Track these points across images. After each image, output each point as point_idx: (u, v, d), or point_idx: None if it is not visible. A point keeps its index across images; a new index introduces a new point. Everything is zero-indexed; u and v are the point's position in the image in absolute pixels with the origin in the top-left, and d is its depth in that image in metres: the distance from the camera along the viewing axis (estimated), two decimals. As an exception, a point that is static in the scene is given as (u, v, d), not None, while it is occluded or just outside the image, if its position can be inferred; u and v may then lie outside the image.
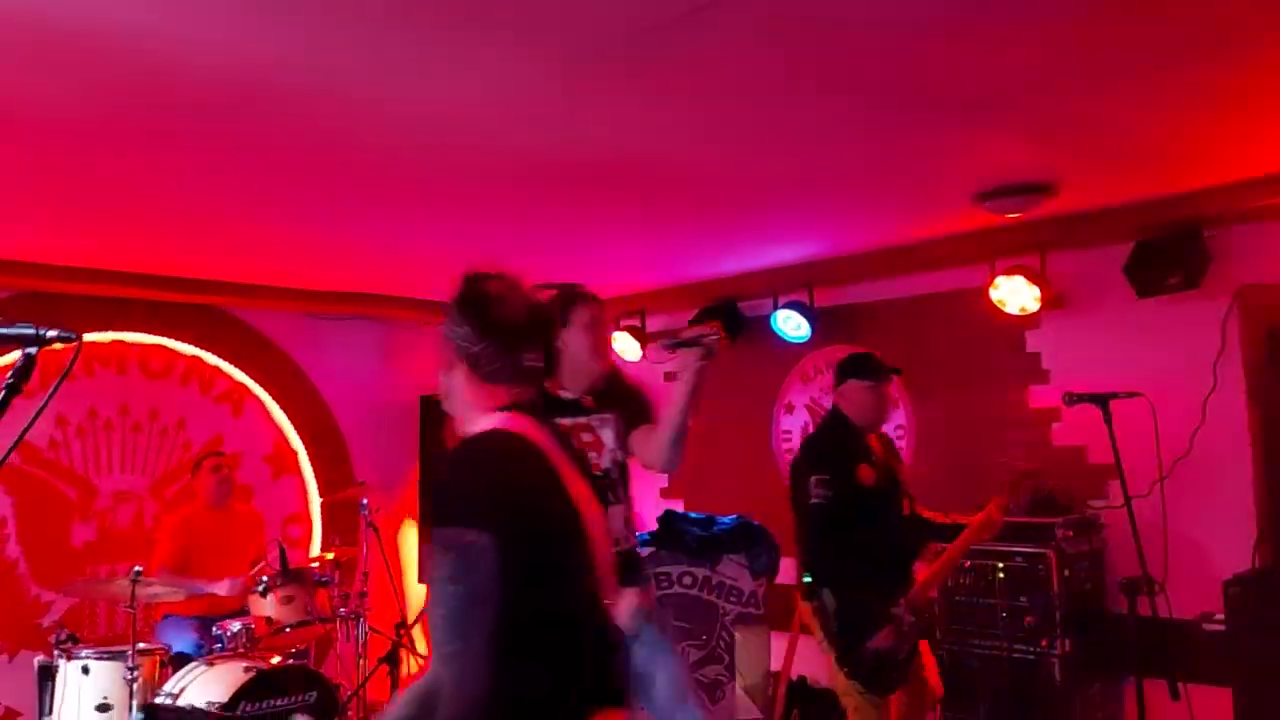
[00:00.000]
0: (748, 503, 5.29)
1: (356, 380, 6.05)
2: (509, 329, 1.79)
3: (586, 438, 2.85)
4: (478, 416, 1.77)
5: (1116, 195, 3.88)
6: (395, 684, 4.82)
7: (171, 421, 5.37)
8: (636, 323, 6.05)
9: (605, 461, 2.87)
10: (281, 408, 5.80)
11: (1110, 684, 4.29)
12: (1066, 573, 4.13)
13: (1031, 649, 4.09)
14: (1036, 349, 4.72)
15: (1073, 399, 3.27)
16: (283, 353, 5.81)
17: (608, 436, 2.89)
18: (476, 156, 3.30)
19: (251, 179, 3.44)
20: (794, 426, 5.67)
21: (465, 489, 1.63)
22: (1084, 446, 4.54)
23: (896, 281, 5.19)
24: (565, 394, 2.84)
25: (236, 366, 5.65)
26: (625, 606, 2.68)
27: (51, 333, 1.39)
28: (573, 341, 2.81)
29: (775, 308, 5.32)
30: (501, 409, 1.76)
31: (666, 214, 4.00)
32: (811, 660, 5.28)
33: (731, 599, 4.28)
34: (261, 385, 5.76)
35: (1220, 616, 3.77)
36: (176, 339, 5.43)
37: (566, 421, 2.80)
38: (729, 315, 5.59)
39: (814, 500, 3.39)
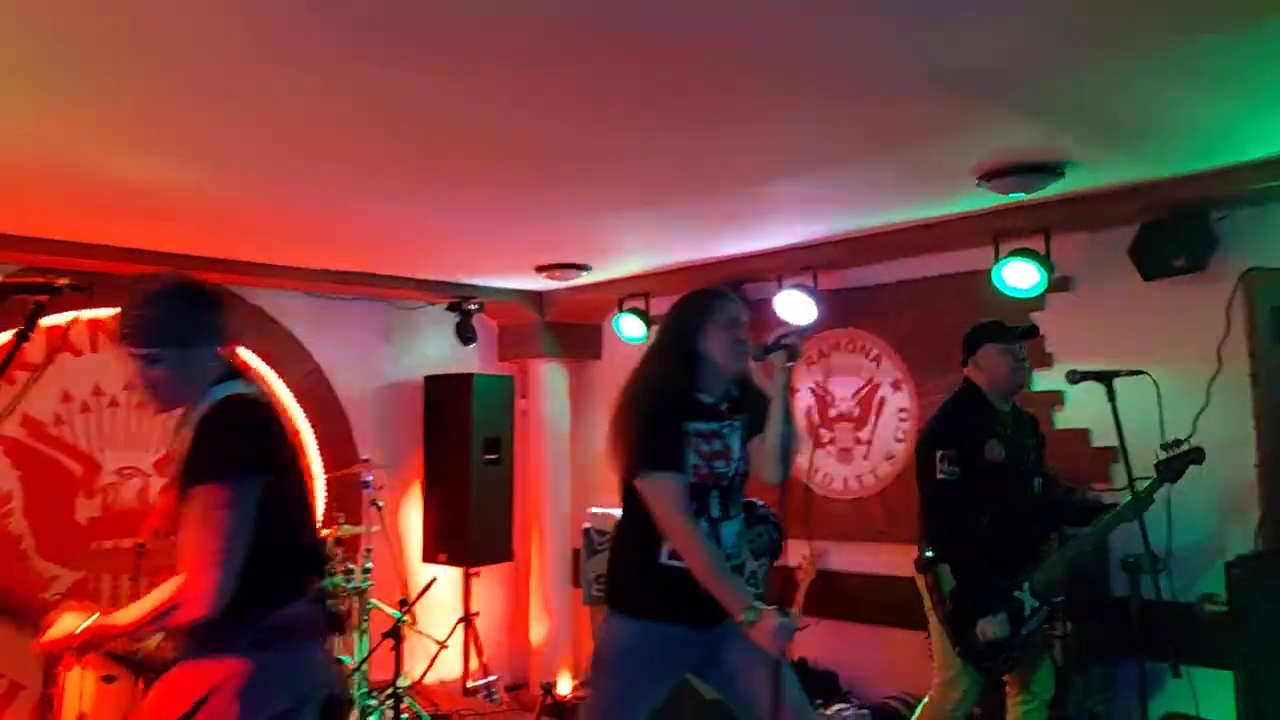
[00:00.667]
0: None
1: (360, 360, 6.06)
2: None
3: (717, 445, 2.80)
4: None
5: (1122, 176, 3.87)
6: (399, 660, 4.84)
7: (176, 400, 5.38)
8: (641, 305, 6.05)
9: (732, 470, 2.83)
10: (285, 386, 5.81)
11: (1112, 666, 4.29)
12: (1069, 555, 4.13)
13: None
14: (1042, 332, 4.71)
15: (1077, 376, 3.28)
16: (286, 331, 5.82)
17: (735, 444, 2.86)
18: (466, 144, 3.30)
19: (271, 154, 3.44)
20: (798, 410, 5.66)
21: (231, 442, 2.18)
22: (1087, 430, 4.54)
23: (901, 264, 5.19)
24: (704, 398, 2.81)
25: (240, 344, 5.65)
26: (766, 626, 2.58)
27: (63, 280, 1.48)
28: (711, 342, 2.80)
29: (779, 290, 5.32)
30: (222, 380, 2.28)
31: (667, 191, 3.98)
32: (811, 642, 5.32)
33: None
34: (265, 363, 5.77)
35: (1222, 598, 3.77)
36: (182, 317, 5.44)
37: (704, 427, 2.77)
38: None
39: (940, 476, 3.38)
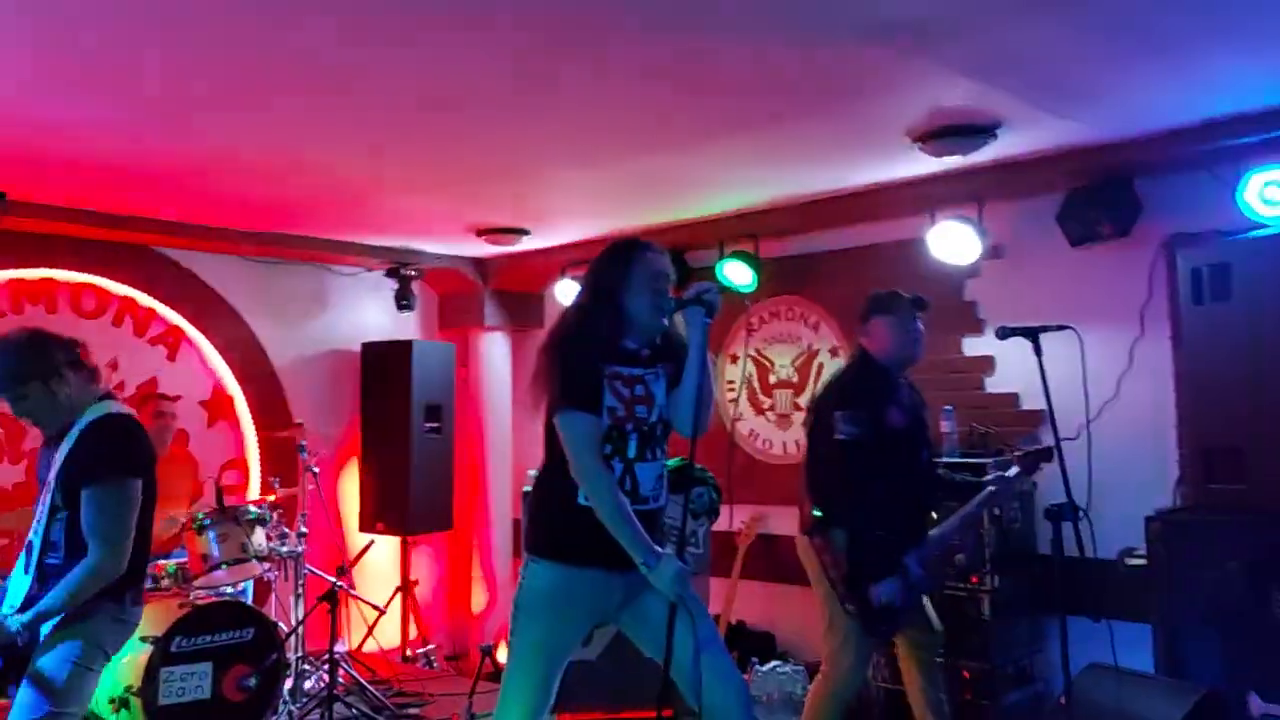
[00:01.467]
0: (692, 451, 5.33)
1: (296, 326, 5.97)
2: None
3: (640, 391, 2.81)
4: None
5: (1052, 141, 3.96)
6: (335, 625, 4.79)
7: (104, 362, 5.24)
8: (583, 272, 6.02)
9: (653, 416, 2.83)
10: (218, 352, 5.71)
11: (1037, 619, 4.43)
12: (997, 512, 4.24)
13: (962, 585, 4.20)
14: (974, 298, 4.82)
15: (1005, 332, 3.35)
16: (219, 296, 5.71)
17: (659, 391, 2.86)
18: (400, 99, 3.27)
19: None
20: (737, 377, 5.72)
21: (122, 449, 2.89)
22: (1016, 394, 4.66)
23: (840, 233, 5.26)
24: (628, 343, 2.81)
25: (172, 308, 5.55)
26: (666, 571, 2.63)
27: None
28: (633, 298, 2.79)
29: (721, 258, 5.35)
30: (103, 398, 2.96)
31: (603, 149, 3.98)
32: (750, 604, 5.40)
33: (672, 537, 4.30)
34: (198, 329, 5.66)
35: (1142, 552, 3.90)
36: (108, 278, 5.31)
37: (625, 371, 2.79)
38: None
39: (840, 436, 3.36)
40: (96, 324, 5.27)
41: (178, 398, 5.31)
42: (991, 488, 3.54)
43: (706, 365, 2.79)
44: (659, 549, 2.68)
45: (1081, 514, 3.20)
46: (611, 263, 2.87)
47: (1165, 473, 4.13)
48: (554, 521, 2.81)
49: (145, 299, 5.46)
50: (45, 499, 2.83)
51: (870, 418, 3.39)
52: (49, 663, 2.74)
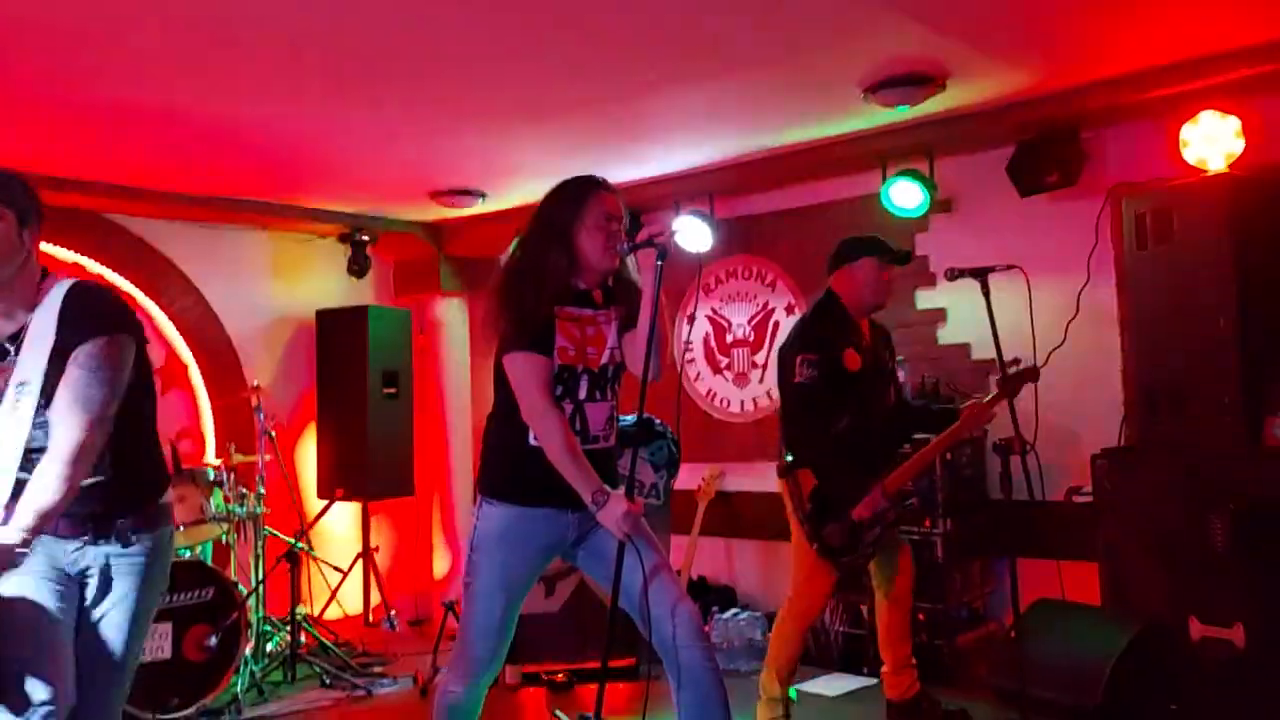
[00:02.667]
0: (649, 410, 5.38)
1: (248, 293, 5.90)
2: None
3: (590, 331, 2.82)
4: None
5: (1000, 90, 4.03)
6: (296, 587, 4.79)
7: (53, 329, 5.17)
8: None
9: (604, 358, 2.84)
10: (170, 320, 5.63)
11: (988, 561, 4.55)
12: (949, 457, 4.35)
13: (916, 529, 4.30)
14: (925, 252, 4.90)
15: (954, 274, 3.43)
16: (170, 263, 5.63)
17: (610, 333, 2.87)
18: (351, 56, 3.25)
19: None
20: (695, 337, 5.77)
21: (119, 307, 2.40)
22: (968, 344, 4.76)
23: (794, 191, 5.32)
24: (578, 284, 2.81)
25: (121, 275, 5.46)
26: (614, 509, 2.65)
27: None
28: (584, 239, 2.77)
29: (676, 216, 5.38)
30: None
31: (554, 102, 3.99)
32: (710, 560, 5.47)
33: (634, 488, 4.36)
34: (149, 296, 5.58)
35: (1088, 490, 4.02)
36: (55, 244, 5.21)
37: (575, 311, 2.79)
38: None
39: (798, 380, 3.46)
40: (43, 290, 5.18)
41: (129, 365, 5.26)
42: (962, 408, 3.62)
43: (660, 309, 2.82)
44: (607, 488, 2.71)
45: (1029, 448, 3.29)
46: (564, 199, 2.85)
47: (1111, 415, 4.25)
48: (506, 463, 2.82)
49: (94, 266, 5.37)
50: (20, 404, 2.23)
51: (827, 361, 3.47)
52: (146, 596, 2.38)
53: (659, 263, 2.75)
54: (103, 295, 2.38)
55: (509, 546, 2.88)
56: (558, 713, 4.04)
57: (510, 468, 2.81)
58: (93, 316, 2.29)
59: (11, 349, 2.29)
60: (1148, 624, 3.62)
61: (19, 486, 2.22)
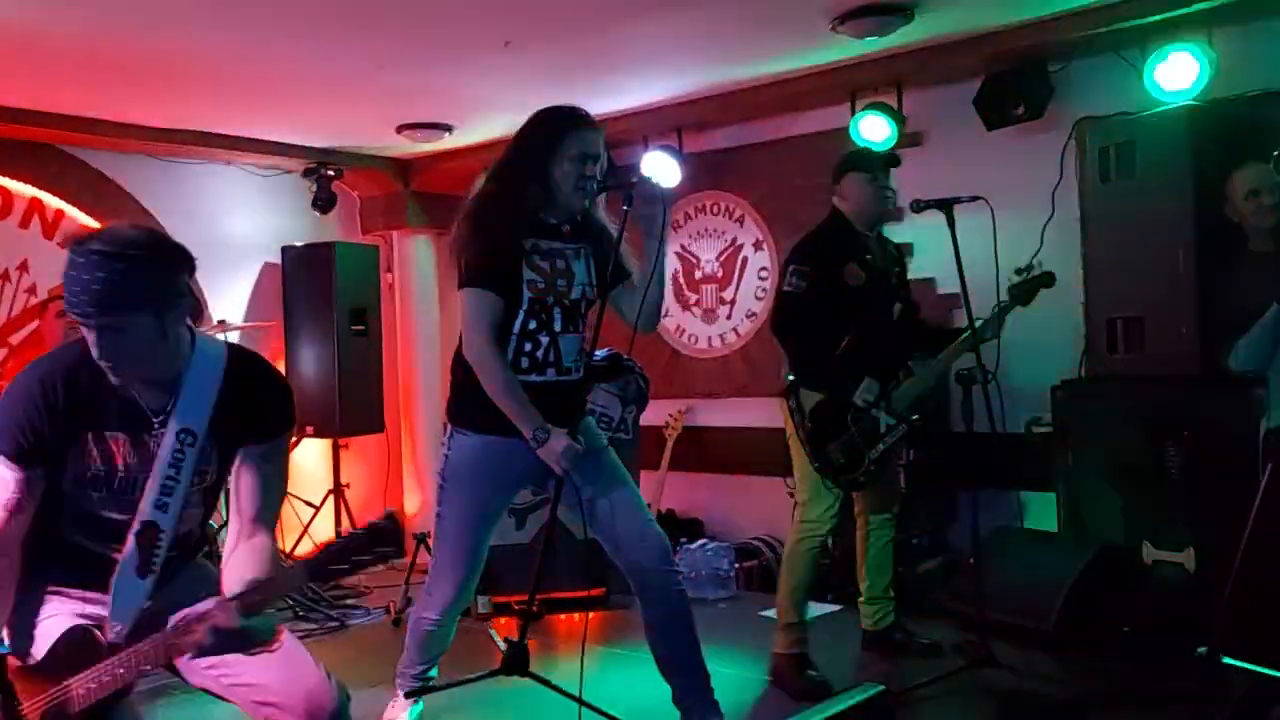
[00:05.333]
0: (611, 345, 5.40)
1: (211, 228, 5.81)
2: None
3: (560, 264, 2.83)
4: None
5: (968, 23, 4.02)
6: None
7: (14, 264, 5.09)
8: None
9: (574, 292, 2.86)
10: (133, 256, 5.54)
11: (950, 491, 4.64)
12: (926, 375, 4.39)
13: (881, 460, 4.36)
14: (894, 186, 4.90)
15: (920, 205, 3.45)
16: (131, 197, 5.53)
17: (579, 269, 2.87)
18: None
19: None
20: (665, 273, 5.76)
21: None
22: (933, 278, 4.80)
23: (763, 125, 5.30)
24: (548, 217, 2.80)
25: (81, 210, 5.35)
26: (553, 446, 2.71)
27: None
28: (558, 173, 2.76)
29: (646, 152, 5.34)
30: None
31: (525, 30, 3.92)
32: (679, 494, 5.54)
33: (603, 425, 4.39)
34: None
35: (1048, 420, 4.10)
36: (12, 178, 5.10)
37: (545, 245, 2.79)
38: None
39: (786, 288, 3.44)
40: (2, 225, 5.08)
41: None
42: (980, 320, 3.55)
43: (661, 259, 2.81)
44: (548, 426, 2.73)
45: (990, 377, 3.34)
46: (542, 130, 2.84)
47: (1072, 348, 4.31)
48: (475, 393, 2.82)
49: (53, 200, 5.26)
50: (173, 469, 2.00)
51: (821, 273, 3.44)
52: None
53: (625, 208, 2.76)
54: (273, 369, 2.23)
55: (479, 476, 2.92)
56: (492, 632, 4.10)
57: (479, 398, 2.82)
58: (283, 407, 2.14)
59: (156, 421, 2.01)
60: (1102, 550, 3.73)
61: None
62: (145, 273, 1.87)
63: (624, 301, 2.91)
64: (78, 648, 1.95)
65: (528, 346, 2.83)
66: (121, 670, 1.90)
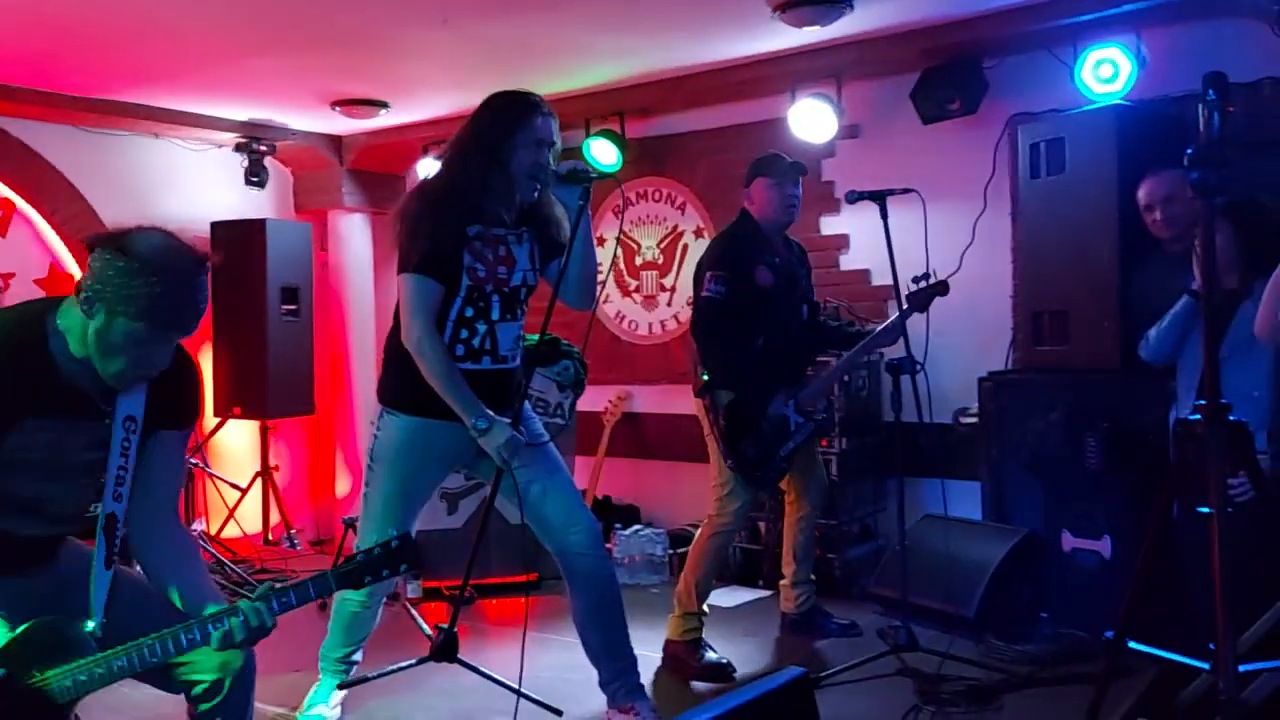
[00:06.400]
0: (556, 331, 5.38)
1: (138, 202, 5.64)
2: None
3: (502, 252, 2.80)
4: None
5: (907, 16, 4.06)
6: (192, 504, 4.71)
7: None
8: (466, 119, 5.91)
9: (515, 279, 2.84)
10: (54, 229, 5.37)
11: (880, 480, 4.71)
12: (846, 379, 4.45)
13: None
14: (831, 178, 4.96)
15: (854, 196, 3.49)
16: (54, 169, 5.35)
17: (521, 255, 2.85)
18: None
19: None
20: (604, 259, 5.74)
21: None
22: (868, 270, 4.86)
23: (705, 113, 5.31)
24: (493, 204, 2.75)
25: (1, 181, 5.17)
26: (495, 437, 2.70)
27: None
28: (513, 159, 2.72)
29: (587, 136, 5.31)
30: None
31: (464, 15, 3.87)
32: (615, 480, 5.54)
33: (539, 409, 4.38)
34: (31, 203, 5.30)
35: (975, 411, 4.18)
36: (-74, 146, 4.91)
37: (488, 232, 2.75)
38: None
39: (705, 294, 3.49)
40: (-88, 194, 4.89)
41: (10, 275, 5.03)
42: (877, 328, 3.69)
43: (589, 238, 2.84)
44: (490, 414, 2.73)
45: (919, 367, 3.40)
46: (498, 115, 2.80)
47: (1001, 340, 4.40)
48: (408, 375, 2.80)
49: (-32, 170, 5.08)
50: (123, 459, 2.00)
51: (736, 277, 3.50)
52: None
53: (580, 202, 2.75)
54: (190, 355, 2.15)
55: (408, 457, 2.89)
56: (418, 618, 4.07)
57: (413, 381, 2.80)
58: (197, 396, 2.16)
59: (105, 410, 1.97)
60: (1024, 538, 3.82)
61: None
62: (208, 286, 1.93)
63: (555, 275, 2.89)
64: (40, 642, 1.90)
65: (464, 334, 2.81)
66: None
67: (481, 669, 3.14)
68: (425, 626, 3.95)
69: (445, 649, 2.97)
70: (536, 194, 2.81)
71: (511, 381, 2.92)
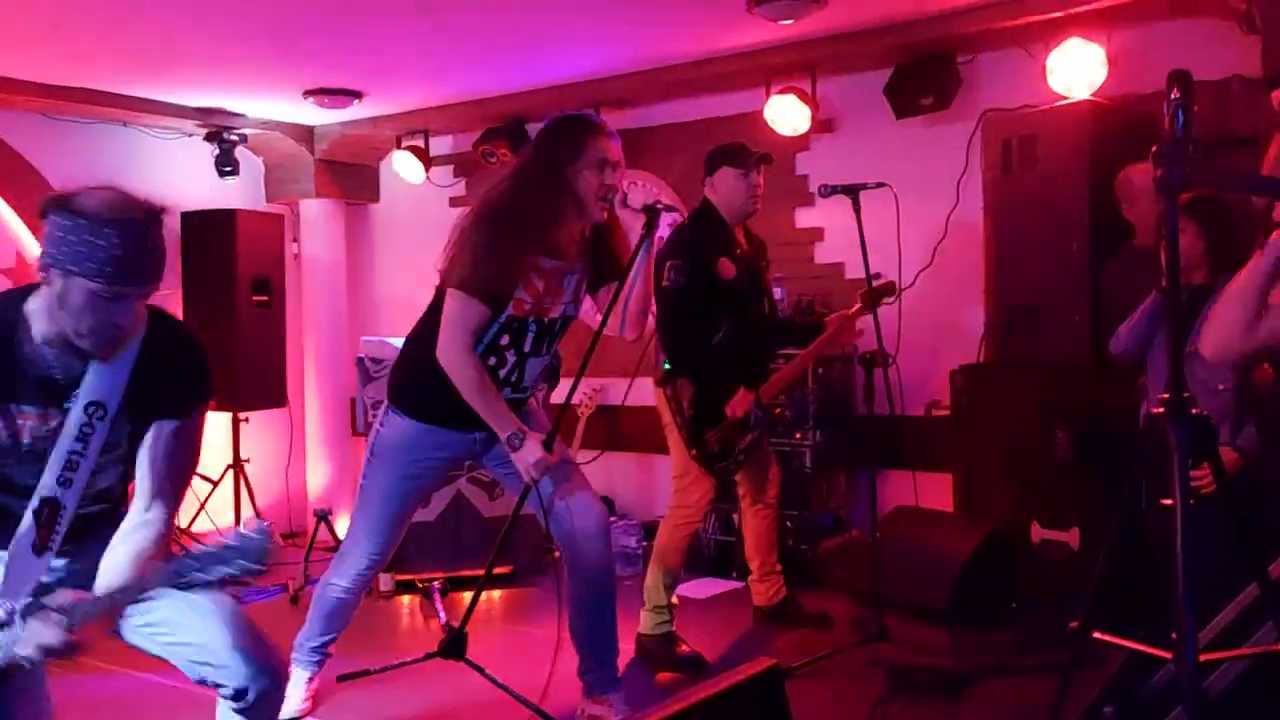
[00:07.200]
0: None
1: (109, 191, 5.57)
2: None
3: (551, 284, 2.77)
4: None
5: (880, 12, 4.08)
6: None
7: (-114, 224, 4.81)
8: (420, 143, 5.88)
9: (556, 312, 2.82)
10: (19, 217, 5.29)
11: (852, 472, 4.75)
12: (820, 371, 4.48)
13: (787, 441, 4.44)
14: (805, 172, 4.98)
15: (828, 191, 3.51)
16: (19, 156, 5.27)
17: (569, 289, 2.83)
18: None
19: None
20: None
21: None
22: (842, 263, 4.88)
23: (680, 105, 5.31)
24: (556, 233, 2.72)
25: (-40, 168, 5.09)
26: (526, 455, 2.70)
27: None
28: (580, 182, 2.70)
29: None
30: None
31: (440, 4, 3.85)
32: (590, 472, 5.52)
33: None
34: (-6, 191, 5.22)
35: (946, 403, 4.22)
36: (-114, 132, 4.82)
37: (547, 264, 2.73)
38: (515, 136, 5.53)
39: (665, 284, 3.45)
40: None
41: (-28, 264, 4.95)
42: (833, 325, 3.70)
43: (649, 272, 2.87)
44: (525, 430, 2.73)
45: (890, 360, 3.43)
46: (562, 139, 2.77)
47: (973, 334, 4.43)
48: (422, 384, 2.81)
49: (-68, 158, 4.99)
50: (80, 444, 1.93)
51: (697, 268, 3.49)
52: None
53: (644, 233, 2.79)
54: (195, 338, 2.10)
55: (411, 458, 2.91)
56: (440, 611, 4.06)
57: (426, 391, 2.80)
58: (198, 381, 2.06)
59: (69, 394, 1.93)
60: (993, 529, 3.86)
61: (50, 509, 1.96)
62: (163, 237, 1.86)
63: (608, 302, 2.89)
64: None
65: (492, 361, 2.79)
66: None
67: (494, 678, 3.06)
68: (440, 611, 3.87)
69: (453, 647, 2.97)
70: (605, 216, 2.81)
71: (523, 408, 2.93)
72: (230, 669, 1.97)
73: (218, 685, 1.99)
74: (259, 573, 1.77)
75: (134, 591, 1.86)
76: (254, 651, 2.00)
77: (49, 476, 1.93)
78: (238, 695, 1.98)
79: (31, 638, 1.79)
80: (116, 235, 1.76)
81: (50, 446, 1.93)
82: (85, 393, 1.92)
